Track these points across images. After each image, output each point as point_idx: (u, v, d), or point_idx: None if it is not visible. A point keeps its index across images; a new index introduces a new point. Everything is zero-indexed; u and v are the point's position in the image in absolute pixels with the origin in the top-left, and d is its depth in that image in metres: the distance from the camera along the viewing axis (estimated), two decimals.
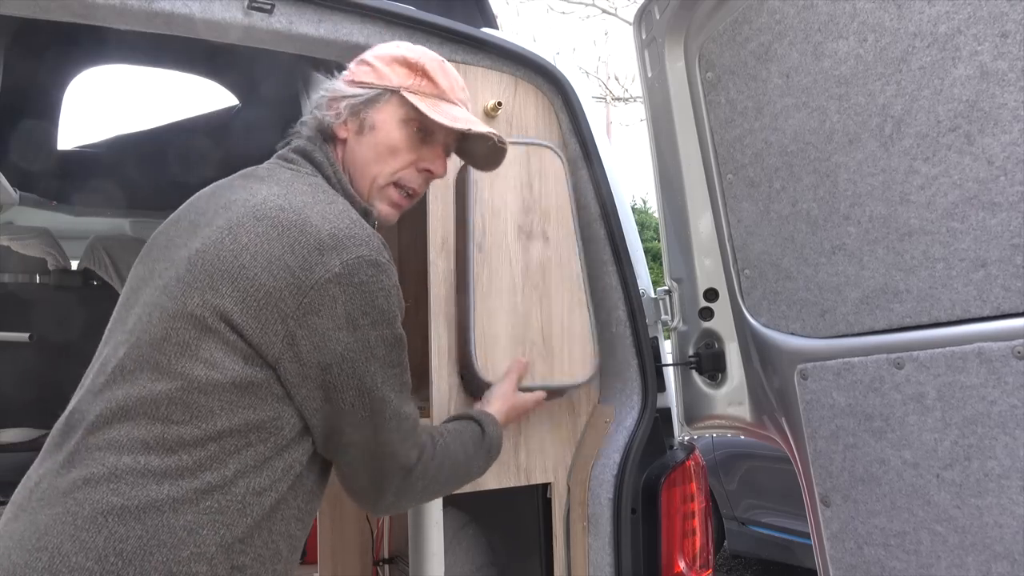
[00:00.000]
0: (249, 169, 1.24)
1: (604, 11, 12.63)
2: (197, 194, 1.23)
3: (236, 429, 1.03)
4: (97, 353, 1.14)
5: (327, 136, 1.25)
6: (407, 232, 2.93)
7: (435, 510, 1.58)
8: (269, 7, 1.49)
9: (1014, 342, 1.18)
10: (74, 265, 3.33)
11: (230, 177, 1.23)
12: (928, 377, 1.29)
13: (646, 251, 1.98)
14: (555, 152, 1.71)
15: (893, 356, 1.35)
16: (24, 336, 2.92)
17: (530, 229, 1.68)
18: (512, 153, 1.51)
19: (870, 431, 1.39)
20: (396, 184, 1.27)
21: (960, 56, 1.21)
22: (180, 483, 0.99)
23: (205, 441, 1.01)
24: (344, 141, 1.25)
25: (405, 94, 1.23)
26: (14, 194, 3.02)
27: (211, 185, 1.24)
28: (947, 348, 1.27)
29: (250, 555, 1.04)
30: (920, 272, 1.31)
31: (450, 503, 1.63)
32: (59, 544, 0.95)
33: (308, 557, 3.01)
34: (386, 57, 1.26)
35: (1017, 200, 1.17)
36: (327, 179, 1.22)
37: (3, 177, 2.72)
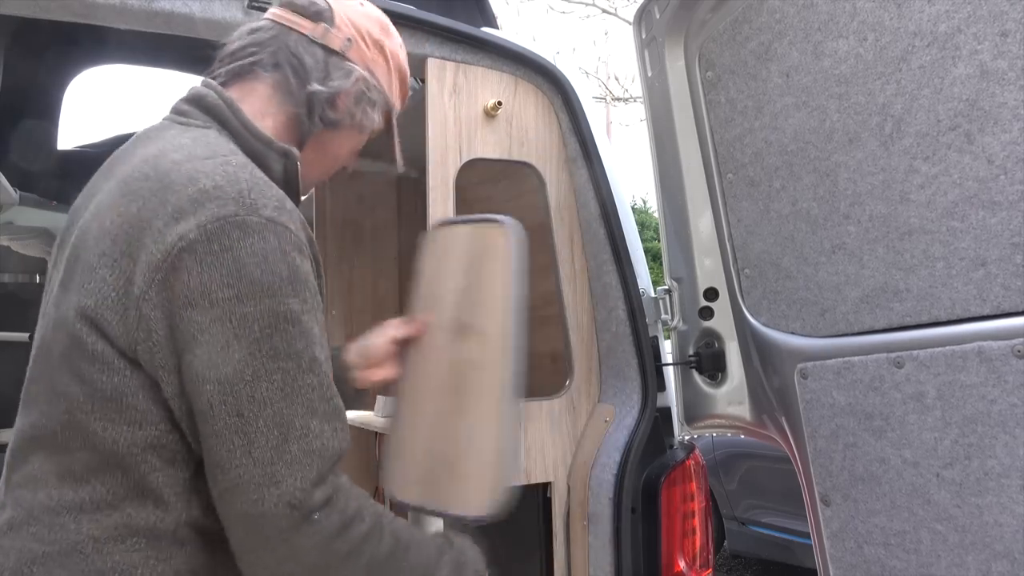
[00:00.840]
0: (143, 130, 1.05)
1: (604, 11, 12.63)
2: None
3: (134, 451, 0.87)
4: None
5: (328, 121, 1.08)
6: (407, 233, 2.93)
7: None
8: (269, 7, 1.49)
9: (1014, 341, 1.18)
10: None
11: (128, 143, 1.05)
12: (928, 376, 1.29)
13: (646, 251, 1.98)
14: (505, 229, 1.30)
15: (893, 355, 1.35)
16: (24, 336, 2.92)
17: (463, 323, 1.31)
18: (459, 231, 1.37)
19: (870, 430, 1.39)
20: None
21: (960, 55, 1.21)
22: (99, 518, 0.86)
23: (110, 467, 0.87)
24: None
25: (393, 116, 1.15)
26: (14, 194, 3.02)
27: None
28: (947, 347, 1.27)
29: None
30: (920, 271, 1.31)
31: None
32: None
33: None
34: (395, 53, 1.15)
35: (1017, 199, 1.17)
36: (224, 123, 1.01)
37: (3, 177, 2.72)
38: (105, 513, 0.86)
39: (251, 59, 1.05)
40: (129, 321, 0.86)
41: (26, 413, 0.93)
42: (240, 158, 0.95)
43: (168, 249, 0.85)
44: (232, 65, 1.06)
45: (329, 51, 1.07)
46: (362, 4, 1.14)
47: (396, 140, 1.15)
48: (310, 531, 0.85)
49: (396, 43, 1.16)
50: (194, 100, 1.03)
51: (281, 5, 1.10)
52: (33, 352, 0.96)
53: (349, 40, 1.08)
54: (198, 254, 0.84)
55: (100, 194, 0.97)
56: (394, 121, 1.15)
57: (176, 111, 1.04)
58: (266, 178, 0.94)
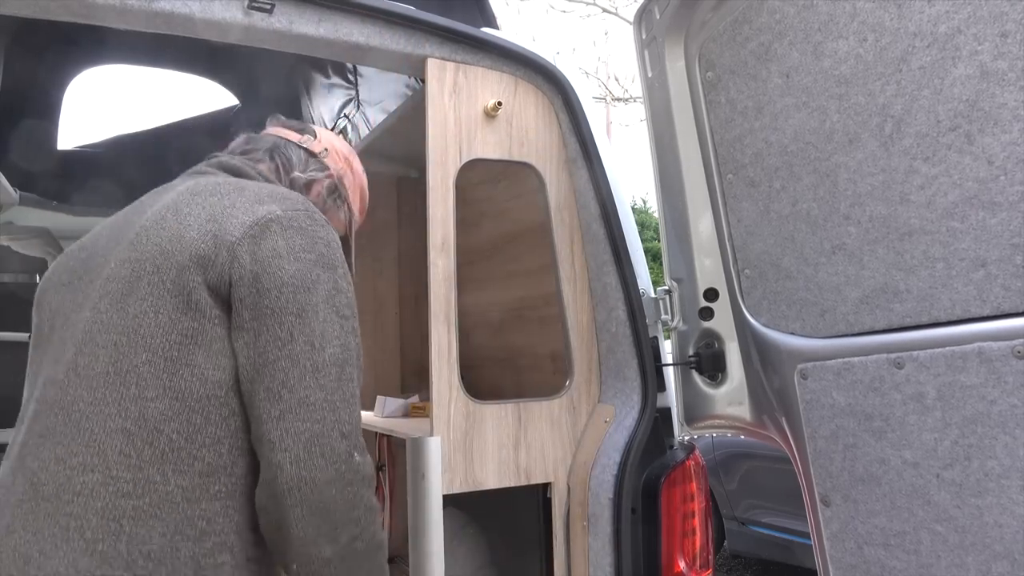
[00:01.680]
0: (156, 190, 1.26)
1: (604, 10, 12.63)
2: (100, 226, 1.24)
3: (218, 392, 1.02)
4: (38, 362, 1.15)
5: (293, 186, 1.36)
6: (407, 233, 2.93)
7: (435, 510, 1.58)
8: (269, 7, 1.49)
9: (1014, 342, 1.18)
10: None
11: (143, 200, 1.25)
12: (928, 377, 1.29)
13: (646, 251, 1.98)
14: None
15: (893, 356, 1.35)
16: (24, 336, 2.92)
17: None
18: None
19: (870, 431, 1.39)
20: None
21: (960, 56, 1.21)
22: (181, 467, 0.98)
23: (189, 412, 1.00)
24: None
25: (352, 225, 1.50)
26: (14, 194, 3.02)
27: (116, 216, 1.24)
28: (947, 348, 1.27)
29: (262, 546, 1.03)
30: (920, 272, 1.31)
31: (450, 503, 1.62)
32: (73, 561, 0.92)
33: None
34: (359, 173, 1.50)
35: (1017, 200, 1.17)
36: (249, 179, 1.26)
37: (3, 177, 2.72)
38: (188, 463, 0.98)
39: (251, 153, 1.34)
40: (221, 263, 1.03)
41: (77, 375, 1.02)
42: (272, 187, 1.19)
43: (258, 218, 1.06)
44: (237, 155, 1.32)
45: (310, 153, 1.39)
46: (338, 135, 1.46)
47: (352, 248, 1.41)
48: (355, 466, 1.02)
49: (360, 167, 1.49)
50: (217, 164, 1.27)
51: (277, 124, 1.43)
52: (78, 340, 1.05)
53: (326, 149, 1.41)
54: (283, 224, 1.07)
55: (149, 211, 1.13)
56: (352, 231, 1.44)
57: (195, 171, 1.26)
58: None
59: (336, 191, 1.41)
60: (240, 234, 1.05)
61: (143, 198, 1.23)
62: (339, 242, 1.14)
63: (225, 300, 1.04)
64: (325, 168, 1.39)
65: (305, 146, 1.39)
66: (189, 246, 1.04)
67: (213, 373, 1.02)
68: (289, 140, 1.38)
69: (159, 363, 1.00)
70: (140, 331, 1.02)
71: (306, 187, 1.36)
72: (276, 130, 1.42)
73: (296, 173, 1.35)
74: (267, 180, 1.29)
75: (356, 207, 1.49)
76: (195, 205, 1.10)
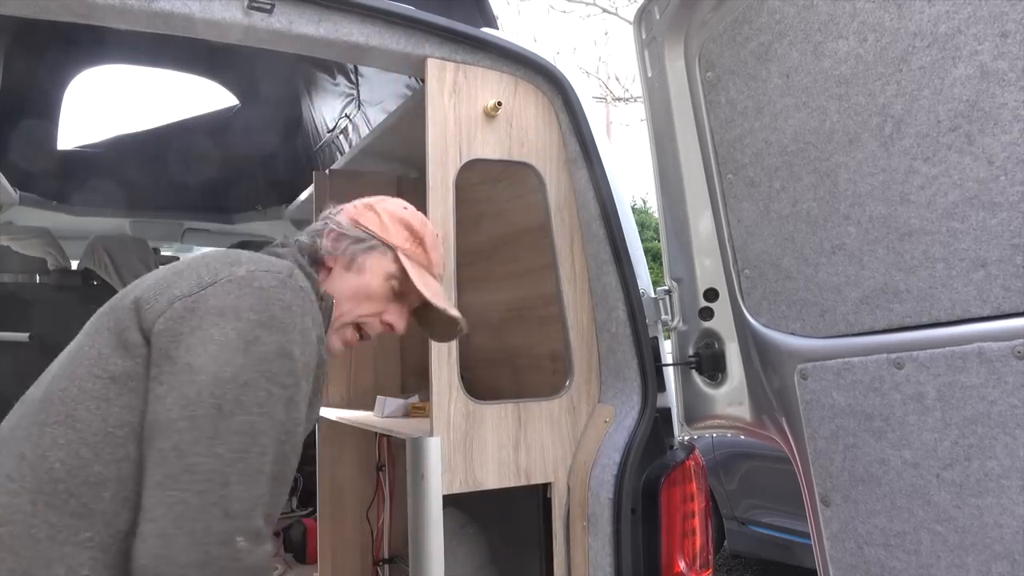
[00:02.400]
0: None
1: (604, 10, 12.63)
2: None
3: (109, 431, 1.00)
4: None
5: (315, 260, 1.29)
6: None
7: (435, 510, 1.58)
8: (269, 7, 1.49)
9: (1014, 342, 1.18)
10: (74, 265, 3.33)
11: None
12: (928, 377, 1.29)
13: (646, 251, 1.98)
14: None
15: (893, 356, 1.34)
16: (24, 336, 2.92)
17: None
18: None
19: (870, 431, 1.39)
20: (356, 326, 1.32)
21: (960, 56, 1.21)
22: (56, 504, 0.95)
23: (78, 445, 0.99)
24: (329, 270, 1.30)
25: (400, 255, 1.30)
26: (14, 194, 3.02)
27: None
28: (947, 348, 1.27)
29: None
30: (920, 272, 1.31)
31: (450, 503, 1.62)
32: None
33: (308, 557, 3.02)
34: (394, 215, 1.33)
35: (1017, 200, 1.17)
36: (296, 262, 1.24)
37: (3, 177, 2.72)
38: (62, 498, 0.94)
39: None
40: (156, 307, 1.00)
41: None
42: (280, 262, 1.13)
43: (216, 276, 1.03)
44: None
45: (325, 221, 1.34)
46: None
47: (412, 276, 1.29)
48: (234, 553, 0.91)
49: (385, 205, 1.36)
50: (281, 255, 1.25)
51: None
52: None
53: (343, 210, 1.35)
54: (240, 284, 1.02)
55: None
56: (404, 261, 1.30)
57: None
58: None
59: (345, 238, 1.31)
60: (187, 288, 1.02)
61: None
62: (310, 310, 1.08)
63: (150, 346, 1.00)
64: (326, 226, 1.33)
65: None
66: (139, 289, 1.05)
67: (119, 411, 0.97)
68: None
69: (73, 391, 0.99)
70: (74, 362, 1.03)
71: (319, 246, 1.31)
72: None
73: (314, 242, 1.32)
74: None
75: (399, 239, 1.33)
76: (185, 264, 1.10)
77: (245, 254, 1.12)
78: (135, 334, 1.00)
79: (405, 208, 1.36)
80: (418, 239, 1.33)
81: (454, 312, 1.35)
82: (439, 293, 1.34)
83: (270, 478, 0.97)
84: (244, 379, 0.96)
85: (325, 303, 1.24)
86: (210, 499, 0.90)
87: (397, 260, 1.30)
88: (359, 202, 1.36)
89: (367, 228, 1.31)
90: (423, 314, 1.40)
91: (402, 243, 1.31)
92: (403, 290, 1.32)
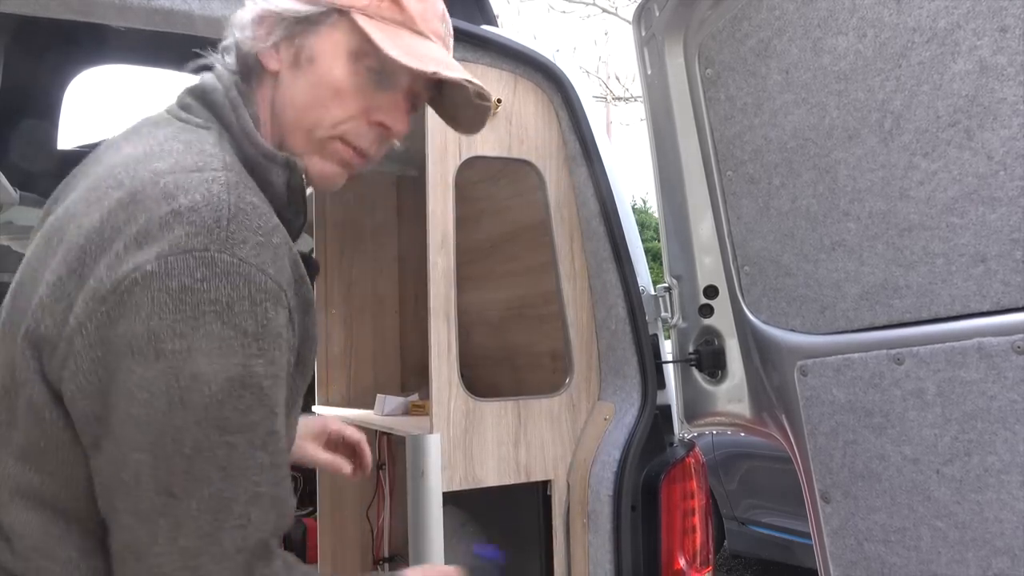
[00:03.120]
0: (141, 121, 0.93)
1: (604, 10, 12.64)
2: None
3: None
4: None
5: (251, 68, 0.92)
6: (407, 233, 2.93)
7: (435, 508, 1.58)
8: None
9: (1014, 337, 1.18)
10: None
11: (122, 133, 0.93)
12: (928, 373, 1.29)
13: (646, 251, 1.98)
14: None
15: (893, 352, 1.34)
16: None
17: None
18: None
19: (870, 427, 1.39)
20: (341, 139, 0.93)
21: (959, 51, 1.21)
22: None
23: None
24: (276, 74, 0.92)
25: (356, 17, 0.89)
26: (14, 194, 3.02)
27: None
28: (947, 343, 1.27)
29: None
30: (920, 268, 1.31)
31: (450, 501, 1.62)
32: None
33: (308, 557, 3.02)
34: None
35: (1017, 195, 1.17)
36: (227, 127, 0.89)
37: (3, 177, 2.72)
38: None
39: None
40: (58, 354, 0.73)
41: None
42: (232, 176, 0.79)
43: (120, 279, 0.71)
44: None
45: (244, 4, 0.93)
46: None
47: (381, 43, 0.88)
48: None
49: None
50: (199, 94, 0.91)
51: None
52: None
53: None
54: (152, 291, 0.70)
55: (74, 192, 0.85)
56: (363, 24, 0.89)
57: (180, 104, 0.92)
58: (256, 201, 0.79)
59: (273, 19, 0.90)
60: (81, 307, 0.73)
61: (118, 140, 0.92)
62: (268, 263, 0.75)
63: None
64: (294, 13, 0.90)
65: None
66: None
67: None
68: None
69: None
70: None
71: (251, 54, 0.91)
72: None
73: (237, 43, 0.91)
74: (208, 97, 0.90)
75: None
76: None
77: (146, 192, 0.75)
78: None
79: None
80: None
81: (455, 73, 0.93)
82: (428, 55, 0.91)
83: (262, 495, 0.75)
84: (189, 446, 0.70)
85: (295, 177, 0.90)
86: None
87: (356, 27, 0.89)
88: None
89: None
90: (438, 101, 1.03)
91: (360, 1, 0.90)
92: (383, 68, 0.91)
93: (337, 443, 1.32)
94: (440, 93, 1.01)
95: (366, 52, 0.90)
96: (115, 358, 0.71)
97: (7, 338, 0.79)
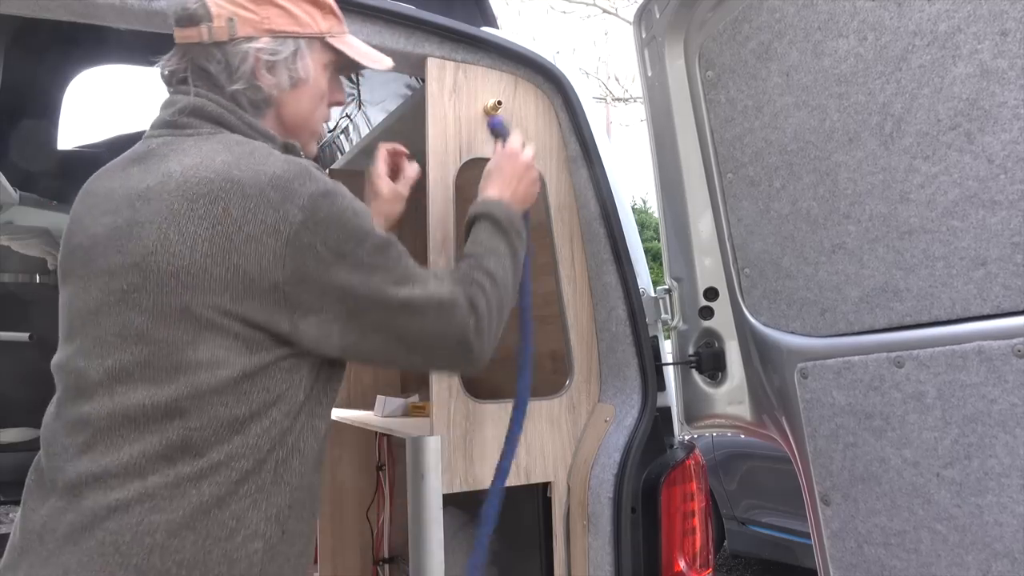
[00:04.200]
0: (139, 149, 1.11)
1: (604, 11, 12.64)
2: (85, 192, 1.15)
3: (256, 414, 1.01)
4: (64, 374, 1.06)
5: (261, 102, 1.15)
6: (407, 233, 2.93)
7: (435, 510, 1.57)
8: None
9: (1014, 340, 1.18)
10: None
11: (117, 164, 1.13)
12: (928, 376, 1.29)
13: (646, 251, 1.98)
14: None
15: (893, 355, 1.34)
16: (24, 336, 2.92)
17: None
18: None
19: (870, 430, 1.39)
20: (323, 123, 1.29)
21: (960, 54, 1.21)
22: (218, 479, 0.98)
23: (230, 435, 0.99)
24: (276, 98, 1.17)
25: (329, 40, 1.19)
26: (14, 194, 3.02)
27: (97, 177, 1.15)
28: (947, 347, 1.27)
29: (294, 518, 1.06)
30: (920, 271, 1.31)
31: (450, 503, 1.62)
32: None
33: None
34: None
35: (1017, 198, 1.17)
36: (235, 129, 1.11)
37: (3, 177, 2.72)
38: (223, 473, 0.98)
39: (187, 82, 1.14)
40: (279, 304, 1.01)
41: (102, 404, 0.99)
42: (275, 151, 1.08)
43: (286, 234, 0.99)
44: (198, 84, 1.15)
45: (220, 45, 1.11)
46: None
47: (355, 56, 1.22)
48: (464, 309, 1.15)
49: None
50: (195, 111, 1.11)
51: (174, 26, 1.15)
52: (99, 352, 1.02)
53: (231, 20, 1.11)
54: (310, 230, 1.00)
55: (145, 206, 1.03)
56: (337, 44, 1.20)
57: (174, 125, 1.11)
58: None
59: (278, 58, 1.14)
60: None
61: (134, 168, 1.11)
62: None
63: None
64: (245, 53, 1.12)
65: (211, 41, 1.11)
66: None
67: None
68: (194, 43, 1.12)
69: None
70: None
71: (251, 91, 1.14)
72: (177, 35, 1.14)
73: (230, 87, 1.13)
74: (204, 111, 1.11)
75: (322, 21, 1.19)
76: None
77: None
78: None
79: None
80: (328, 9, 1.19)
81: (384, 63, 1.28)
82: (374, 54, 1.27)
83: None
84: None
85: (294, 153, 1.16)
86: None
87: (328, 46, 1.19)
88: (231, 2, 1.12)
89: (289, 32, 1.14)
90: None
91: (323, 26, 1.17)
92: (339, 68, 1.26)
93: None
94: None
95: (331, 61, 1.22)
96: (319, 279, 1.04)
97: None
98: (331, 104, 1.27)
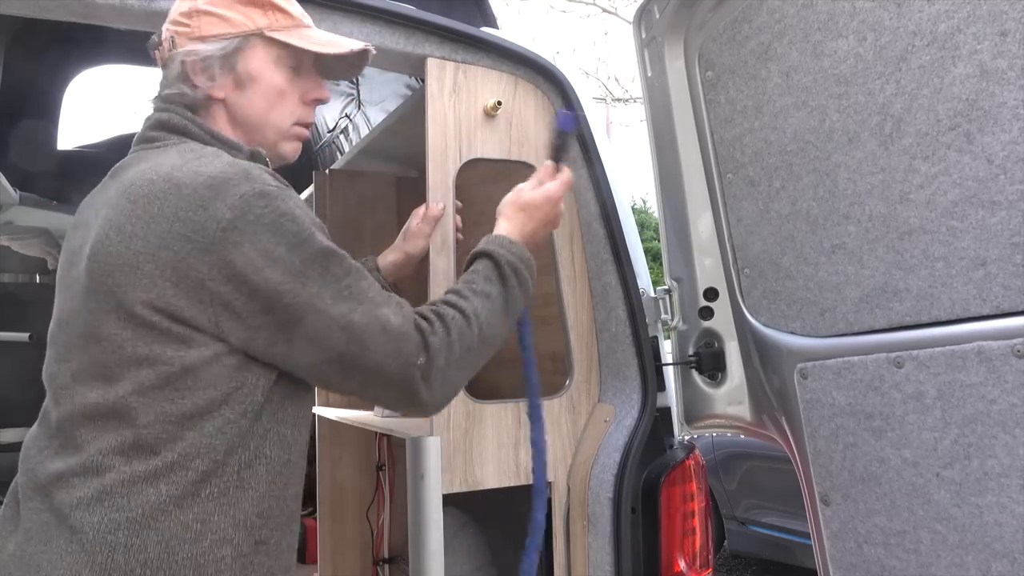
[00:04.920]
0: (117, 165, 1.18)
1: (604, 10, 12.64)
2: (77, 212, 1.22)
3: (205, 411, 1.01)
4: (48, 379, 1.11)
5: (200, 104, 1.17)
6: None
7: (435, 510, 1.58)
8: None
9: (1014, 341, 1.18)
10: None
11: (102, 182, 1.20)
12: (928, 376, 1.29)
13: (646, 251, 1.97)
14: None
15: (893, 355, 1.35)
16: (24, 336, 2.92)
17: None
18: None
19: (870, 430, 1.39)
20: (297, 123, 1.24)
21: (960, 55, 1.21)
22: (174, 479, 0.99)
23: (181, 431, 1.00)
24: (223, 100, 1.18)
25: (269, 34, 1.18)
26: (14, 194, 3.02)
27: (86, 198, 1.22)
28: (947, 347, 1.27)
29: (268, 528, 1.06)
30: (920, 271, 1.31)
31: (450, 503, 1.62)
32: (76, 574, 0.95)
33: (308, 557, 3.02)
34: (226, 1, 1.17)
35: (1017, 199, 1.17)
36: (196, 138, 1.15)
37: (3, 177, 2.72)
38: (179, 474, 0.99)
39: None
40: (203, 302, 1.00)
41: (63, 407, 1.03)
42: (226, 155, 1.09)
43: (213, 233, 0.99)
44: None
45: (167, 64, 1.18)
46: None
47: (302, 45, 1.20)
48: (429, 349, 1.10)
49: None
50: (160, 125, 1.16)
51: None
52: (62, 357, 1.07)
53: (172, 39, 1.17)
54: (239, 229, 0.99)
55: (101, 212, 1.07)
56: (280, 37, 1.19)
57: (145, 140, 1.16)
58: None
59: (210, 60, 1.16)
60: None
61: (107, 181, 1.18)
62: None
63: None
64: (177, 59, 1.16)
65: (163, 65, 1.18)
66: None
67: None
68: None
69: None
70: None
71: (196, 96, 1.17)
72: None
73: (170, 90, 1.17)
74: (169, 124, 1.15)
75: (256, 12, 1.19)
76: None
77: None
78: None
79: None
80: (269, 5, 1.19)
81: (358, 45, 1.26)
82: (332, 40, 1.25)
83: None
84: None
85: (258, 159, 1.17)
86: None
87: (271, 40, 1.18)
88: (175, 17, 1.18)
89: (219, 35, 1.15)
90: (328, 64, 1.29)
91: (260, 22, 1.18)
92: (299, 62, 1.22)
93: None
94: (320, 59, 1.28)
95: (282, 56, 1.20)
96: (249, 280, 1.02)
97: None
98: (306, 102, 1.25)
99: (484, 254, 1.29)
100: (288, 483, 1.10)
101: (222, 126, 1.19)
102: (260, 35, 1.18)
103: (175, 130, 1.15)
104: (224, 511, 1.01)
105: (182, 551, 0.97)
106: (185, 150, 1.09)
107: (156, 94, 1.19)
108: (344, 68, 1.34)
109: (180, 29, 1.16)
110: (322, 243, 1.06)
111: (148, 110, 1.20)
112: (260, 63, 1.18)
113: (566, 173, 1.43)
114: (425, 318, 1.13)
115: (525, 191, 1.39)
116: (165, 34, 1.18)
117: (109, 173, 1.17)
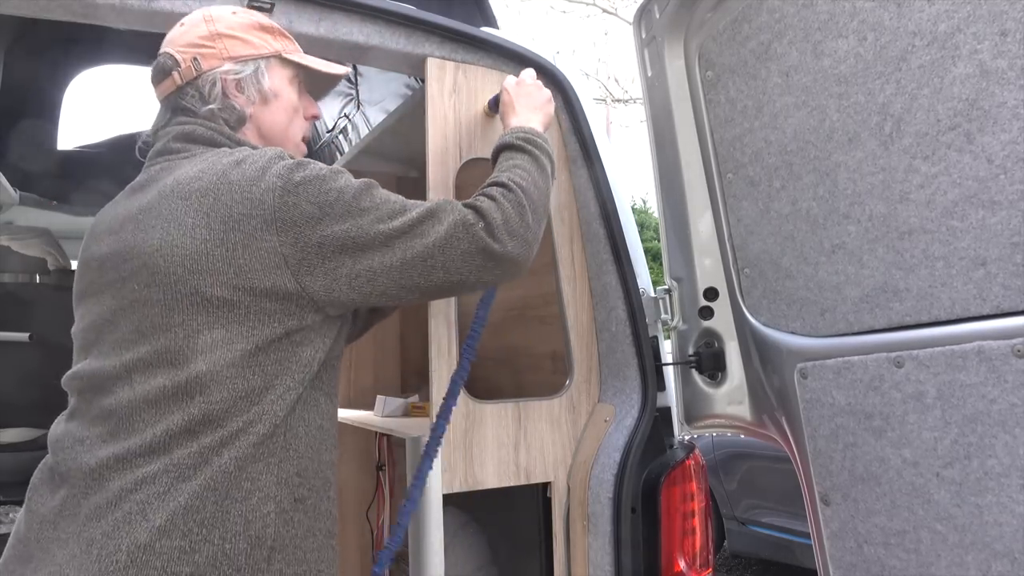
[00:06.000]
0: (139, 179, 1.25)
1: (604, 11, 12.64)
2: (93, 224, 1.27)
3: (270, 384, 1.09)
4: (77, 372, 1.16)
5: (239, 119, 1.29)
6: None
7: (435, 510, 1.58)
8: (269, 6, 1.49)
9: (1014, 340, 1.18)
10: (74, 265, 3.33)
11: (121, 195, 1.27)
12: (928, 376, 1.29)
13: (646, 251, 1.98)
14: None
15: (893, 355, 1.35)
16: (24, 336, 2.92)
17: None
18: None
19: (870, 430, 1.39)
20: (303, 137, 1.40)
21: (960, 55, 1.21)
22: (238, 444, 1.06)
23: (248, 406, 1.08)
24: (251, 116, 1.30)
25: (287, 56, 1.32)
26: (14, 194, 3.02)
27: (103, 210, 1.27)
28: (947, 347, 1.27)
29: (305, 487, 1.13)
30: (920, 271, 1.31)
31: (450, 503, 1.62)
32: (135, 539, 1.00)
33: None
34: (245, 26, 1.29)
35: (1017, 198, 1.17)
36: (221, 146, 1.24)
37: (3, 177, 2.72)
38: (243, 438, 1.06)
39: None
40: (280, 267, 1.09)
41: (123, 392, 1.08)
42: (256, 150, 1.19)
43: (270, 204, 1.09)
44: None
45: (193, 82, 1.26)
46: (181, 24, 1.30)
47: (314, 65, 1.35)
48: (485, 217, 1.21)
49: (226, 22, 1.29)
50: (184, 136, 1.24)
51: (153, 88, 1.31)
52: (101, 350, 1.13)
53: (195, 60, 1.26)
54: (291, 191, 1.11)
55: (144, 219, 1.15)
56: (294, 58, 1.33)
57: (169, 151, 1.24)
58: None
59: (244, 78, 1.28)
60: None
61: (139, 189, 1.25)
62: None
63: None
64: (214, 79, 1.26)
65: (184, 82, 1.26)
66: None
67: None
68: (172, 91, 1.27)
69: None
70: None
71: (226, 111, 1.27)
72: (157, 91, 1.30)
73: (204, 108, 1.26)
74: (193, 135, 1.25)
75: (274, 41, 1.32)
76: None
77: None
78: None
79: (235, 13, 1.32)
80: (276, 32, 1.33)
81: (340, 69, 1.40)
82: (324, 62, 1.38)
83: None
84: None
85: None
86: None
87: (286, 61, 1.32)
88: (192, 40, 1.26)
89: (247, 56, 1.28)
90: (316, 85, 1.43)
91: (275, 46, 1.31)
92: (300, 82, 1.36)
93: None
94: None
95: (295, 75, 1.35)
96: (310, 236, 1.14)
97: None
98: (307, 118, 1.39)
99: (497, 148, 1.43)
100: (322, 447, 1.18)
101: (251, 138, 1.30)
102: (278, 56, 1.31)
103: (200, 141, 1.24)
104: (271, 470, 1.08)
105: (234, 509, 1.04)
106: (218, 153, 1.18)
107: (184, 109, 1.26)
108: (323, 89, 1.47)
109: (204, 51, 1.25)
110: (360, 181, 1.18)
111: (153, 113, 1.29)
112: (280, 81, 1.31)
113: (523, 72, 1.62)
114: (469, 201, 1.25)
115: (509, 88, 1.56)
116: (180, 56, 1.25)
117: (131, 188, 1.25)
